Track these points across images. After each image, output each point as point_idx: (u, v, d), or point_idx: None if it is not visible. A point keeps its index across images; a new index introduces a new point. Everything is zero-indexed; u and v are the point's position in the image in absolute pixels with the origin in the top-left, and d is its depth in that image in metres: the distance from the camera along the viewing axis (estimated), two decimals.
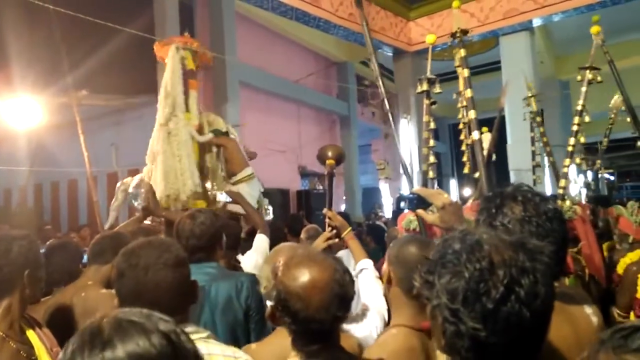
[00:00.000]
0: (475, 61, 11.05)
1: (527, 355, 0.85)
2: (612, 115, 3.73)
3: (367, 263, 2.11)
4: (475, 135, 2.26)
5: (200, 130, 3.53)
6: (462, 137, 3.68)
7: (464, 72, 2.44)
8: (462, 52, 2.54)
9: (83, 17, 5.15)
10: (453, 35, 2.63)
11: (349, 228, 2.30)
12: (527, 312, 0.80)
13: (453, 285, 0.82)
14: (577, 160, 3.82)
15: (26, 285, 1.56)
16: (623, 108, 3.71)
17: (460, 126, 3.74)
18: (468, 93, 2.35)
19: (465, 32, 2.52)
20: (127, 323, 0.76)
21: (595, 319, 1.28)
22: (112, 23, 5.51)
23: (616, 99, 3.65)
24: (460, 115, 3.65)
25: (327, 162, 2.49)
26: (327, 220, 2.30)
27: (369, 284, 2.04)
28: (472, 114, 2.27)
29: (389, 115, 2.88)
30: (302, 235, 4.20)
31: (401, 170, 8.80)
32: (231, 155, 3.60)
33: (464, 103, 3.61)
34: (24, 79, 5.59)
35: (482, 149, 2.35)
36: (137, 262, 1.36)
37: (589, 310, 1.29)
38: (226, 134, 3.68)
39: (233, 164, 3.58)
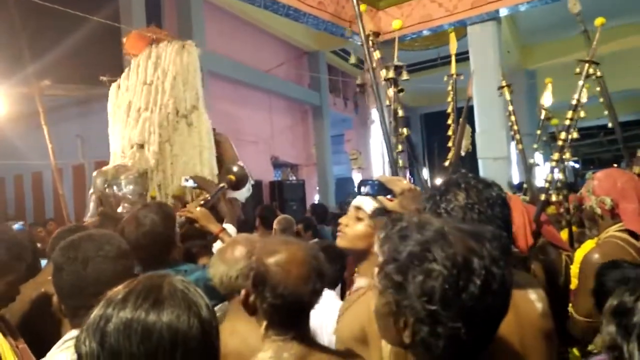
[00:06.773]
0: (444, 51, 11.16)
1: (488, 343, 0.85)
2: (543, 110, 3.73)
3: None
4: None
5: None
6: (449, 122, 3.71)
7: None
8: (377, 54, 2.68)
9: (44, 3, 4.96)
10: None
11: None
12: (500, 303, 0.81)
13: (429, 285, 0.78)
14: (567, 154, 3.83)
15: None
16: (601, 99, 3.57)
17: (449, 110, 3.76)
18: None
19: (377, 34, 2.59)
20: (182, 294, 0.83)
21: (539, 305, 1.28)
22: (76, 10, 5.32)
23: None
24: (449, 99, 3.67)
25: (229, 176, 2.75)
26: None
27: None
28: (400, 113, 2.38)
29: (382, 105, 2.85)
30: (275, 226, 4.20)
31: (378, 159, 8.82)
32: (226, 151, 3.73)
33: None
34: None
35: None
36: (75, 255, 1.33)
37: (533, 295, 1.29)
38: None
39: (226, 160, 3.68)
